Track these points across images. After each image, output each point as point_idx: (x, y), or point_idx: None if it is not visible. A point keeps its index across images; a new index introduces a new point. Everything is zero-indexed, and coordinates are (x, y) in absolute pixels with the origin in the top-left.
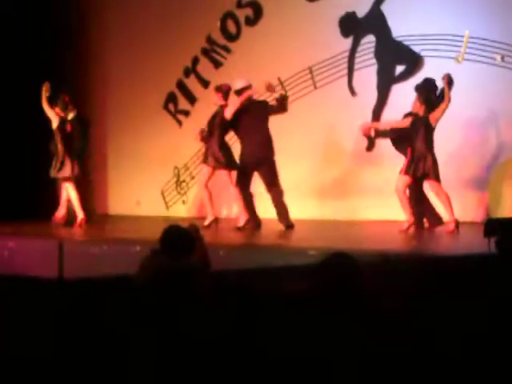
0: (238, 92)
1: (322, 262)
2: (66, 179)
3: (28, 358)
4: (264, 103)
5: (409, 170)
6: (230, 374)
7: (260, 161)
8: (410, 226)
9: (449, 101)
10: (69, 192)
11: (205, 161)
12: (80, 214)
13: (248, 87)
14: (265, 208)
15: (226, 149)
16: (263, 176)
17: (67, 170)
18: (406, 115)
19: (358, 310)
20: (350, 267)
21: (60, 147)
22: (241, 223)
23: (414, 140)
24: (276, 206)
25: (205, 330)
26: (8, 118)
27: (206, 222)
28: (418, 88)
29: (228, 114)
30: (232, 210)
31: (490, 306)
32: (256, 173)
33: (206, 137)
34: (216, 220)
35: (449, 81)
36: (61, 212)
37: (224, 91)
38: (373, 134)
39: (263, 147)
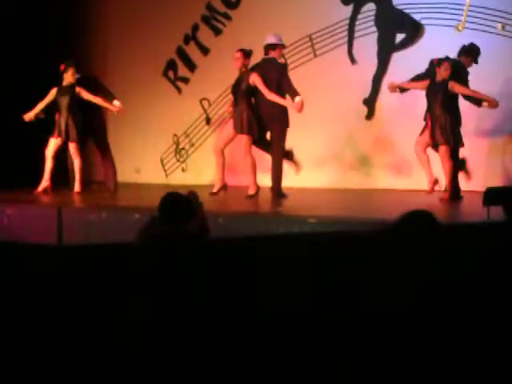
0: (269, 47)
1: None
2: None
3: (25, 326)
4: (281, 65)
5: (431, 135)
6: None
7: (272, 118)
8: (435, 184)
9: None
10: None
11: (235, 127)
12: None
13: (281, 44)
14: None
15: (253, 115)
16: (271, 135)
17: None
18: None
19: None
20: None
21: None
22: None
23: (433, 105)
24: (272, 174)
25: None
26: (9, 83)
27: (215, 189)
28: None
29: (253, 81)
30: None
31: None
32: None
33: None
34: (225, 187)
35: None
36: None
37: (245, 56)
38: (399, 91)
39: (276, 106)
